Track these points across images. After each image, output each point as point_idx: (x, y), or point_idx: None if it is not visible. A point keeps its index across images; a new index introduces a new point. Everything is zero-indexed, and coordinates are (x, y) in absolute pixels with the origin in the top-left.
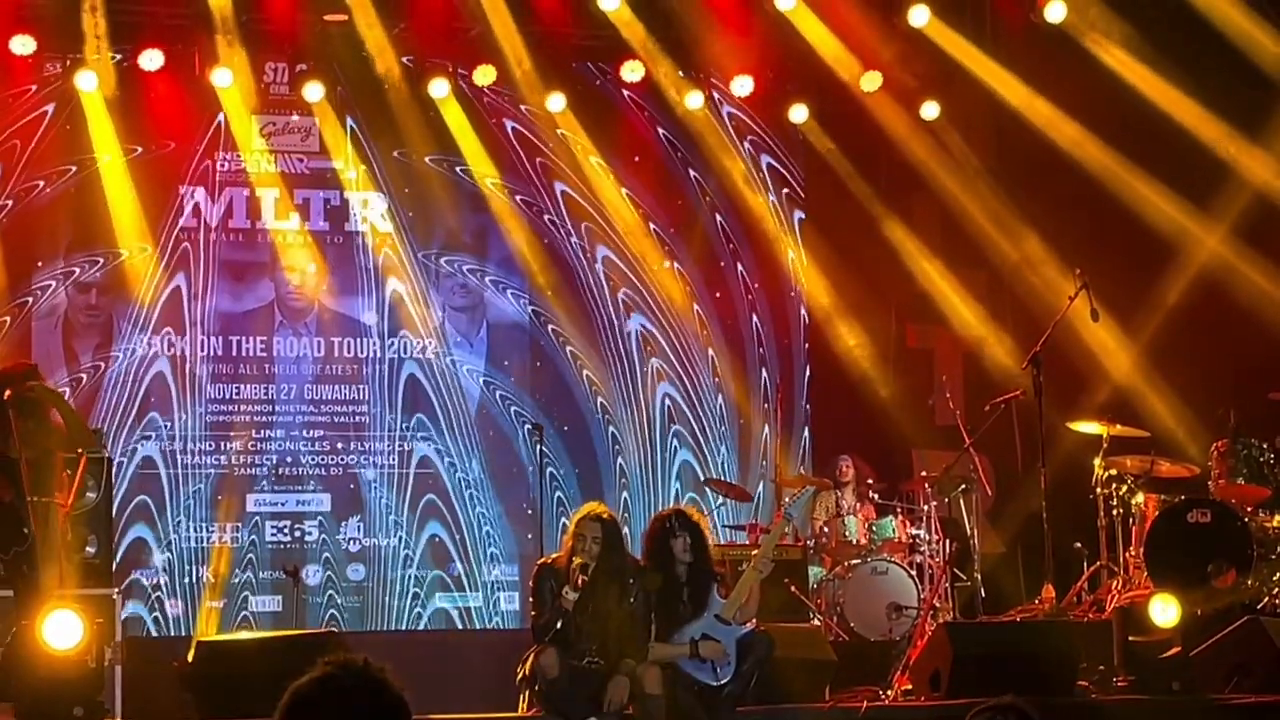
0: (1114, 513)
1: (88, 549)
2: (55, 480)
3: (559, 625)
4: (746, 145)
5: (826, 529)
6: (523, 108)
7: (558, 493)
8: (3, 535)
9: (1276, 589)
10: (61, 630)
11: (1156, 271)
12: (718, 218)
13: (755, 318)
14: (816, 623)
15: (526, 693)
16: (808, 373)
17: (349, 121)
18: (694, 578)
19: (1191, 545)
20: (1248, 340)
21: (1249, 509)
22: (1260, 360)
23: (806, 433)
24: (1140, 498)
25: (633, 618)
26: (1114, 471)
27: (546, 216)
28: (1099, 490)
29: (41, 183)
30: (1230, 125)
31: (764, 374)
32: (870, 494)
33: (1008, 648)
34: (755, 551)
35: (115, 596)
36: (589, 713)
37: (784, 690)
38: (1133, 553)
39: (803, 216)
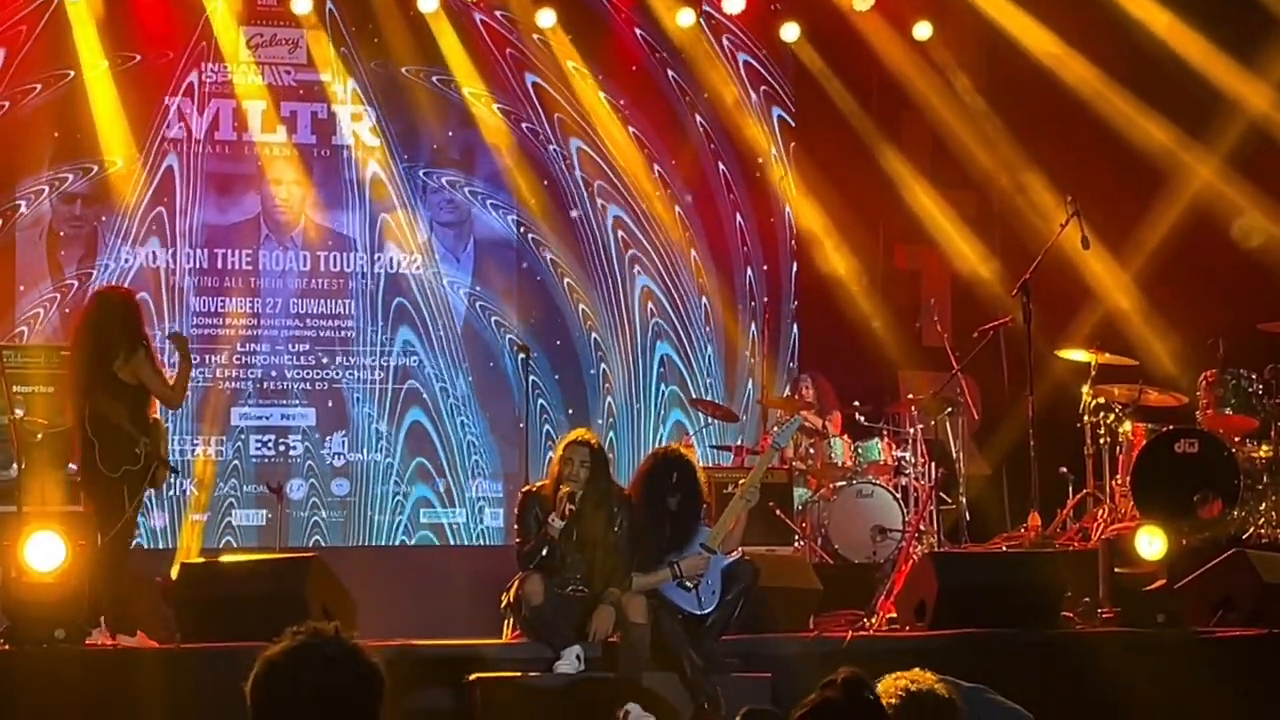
0: (1101, 441)
1: (70, 465)
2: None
3: (544, 552)
4: (737, 64)
5: (812, 450)
6: (498, 13)
7: (540, 400)
8: (115, 455)
9: (1262, 520)
10: (43, 552)
11: (1148, 200)
12: (707, 138)
13: (744, 238)
14: (800, 544)
15: (511, 619)
16: (795, 293)
17: (336, 33)
18: (682, 510)
19: (1178, 475)
20: (1238, 270)
21: (1236, 439)
22: (1250, 291)
23: (793, 353)
24: (1127, 426)
25: (617, 546)
26: (1102, 400)
27: (526, 125)
28: (1086, 418)
29: (39, 85)
30: (1227, 53)
31: (751, 294)
32: (857, 415)
33: (993, 579)
34: (743, 480)
35: None
36: (573, 640)
37: (769, 619)
38: (1119, 481)
39: (791, 123)
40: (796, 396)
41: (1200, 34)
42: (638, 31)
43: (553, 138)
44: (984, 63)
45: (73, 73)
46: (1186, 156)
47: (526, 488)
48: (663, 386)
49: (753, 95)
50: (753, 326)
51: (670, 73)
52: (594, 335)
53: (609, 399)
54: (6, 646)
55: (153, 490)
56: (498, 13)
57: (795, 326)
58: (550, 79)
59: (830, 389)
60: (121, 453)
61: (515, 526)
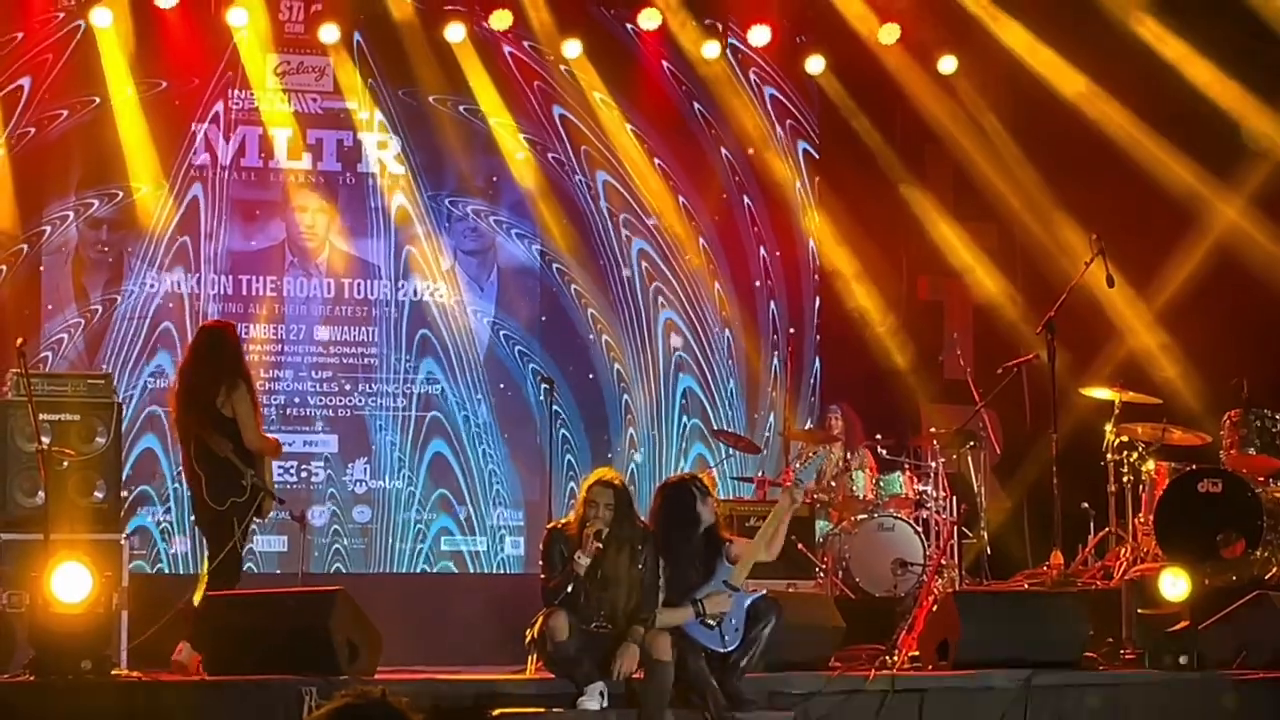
0: (1124, 479)
1: (95, 494)
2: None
3: (569, 589)
4: (764, 97)
5: (834, 484)
6: (526, 44)
7: (562, 430)
8: (222, 488)
9: None
10: (70, 582)
11: (1173, 238)
12: (732, 168)
13: (767, 272)
14: (821, 577)
15: (535, 654)
16: (818, 324)
17: (363, 62)
18: (705, 544)
19: (1201, 514)
20: (1262, 310)
21: (1260, 480)
22: (1275, 331)
23: (815, 385)
24: (1151, 465)
25: (641, 583)
26: (1125, 438)
27: (552, 155)
28: (1109, 456)
29: (65, 112)
30: (1250, 90)
31: (774, 324)
32: (879, 448)
33: (1016, 618)
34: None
35: (123, 541)
36: (597, 676)
37: (791, 657)
38: (1142, 520)
39: (816, 155)
40: (825, 427)
41: (1225, 72)
42: (665, 64)
43: (579, 169)
44: (1008, 96)
45: (99, 99)
46: (1212, 196)
47: (551, 524)
48: (685, 419)
49: (778, 129)
50: (775, 359)
51: (696, 105)
52: (617, 366)
53: (631, 430)
54: (32, 678)
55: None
56: (525, 43)
57: (818, 359)
58: (577, 111)
59: (859, 421)
60: (228, 485)
61: (540, 562)
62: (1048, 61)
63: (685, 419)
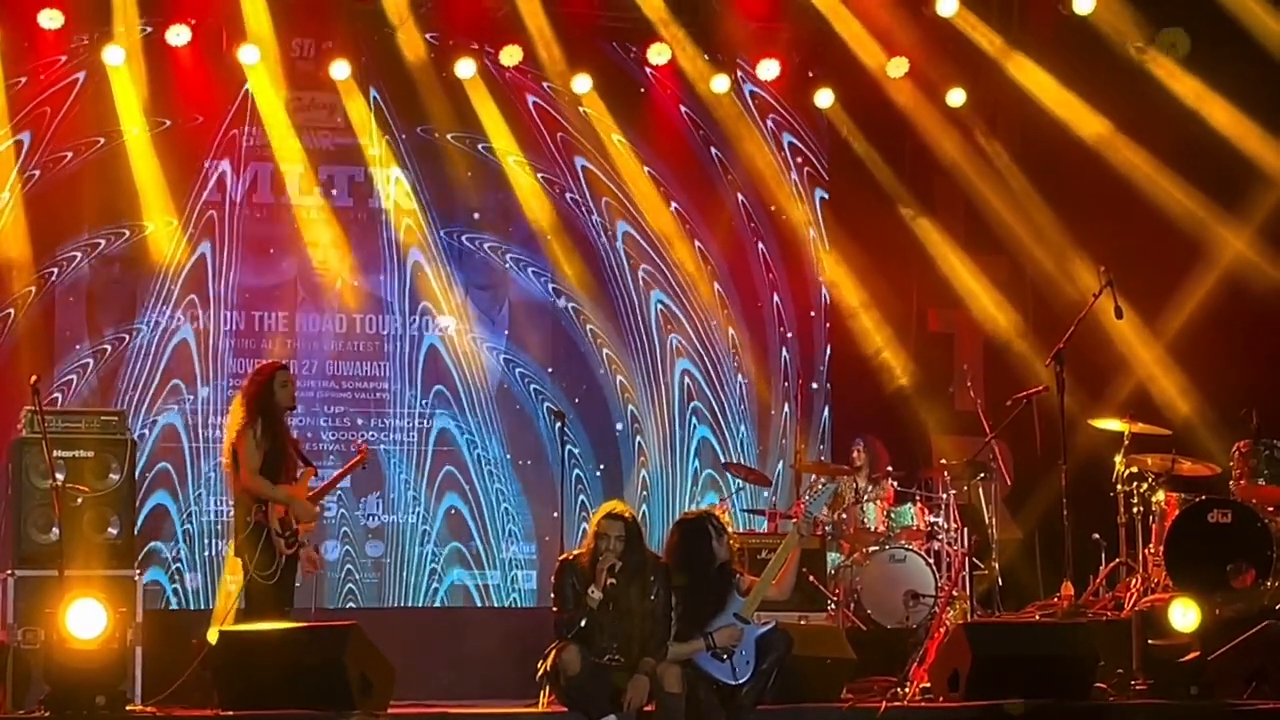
0: (1134, 510)
1: (110, 530)
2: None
3: (583, 623)
4: (771, 128)
5: (845, 515)
6: (545, 85)
7: (576, 471)
8: (238, 520)
9: None
10: (85, 620)
11: (1181, 270)
12: (741, 199)
13: (776, 300)
14: (833, 609)
15: (547, 687)
16: (828, 356)
17: (374, 98)
18: (718, 578)
19: (1211, 545)
20: (1271, 341)
21: (1270, 510)
22: None
23: (826, 416)
24: (1161, 496)
25: (653, 615)
26: (1135, 469)
27: (569, 195)
28: (1119, 487)
29: (70, 154)
30: (1259, 123)
31: (784, 356)
32: (891, 480)
33: (1027, 650)
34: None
35: (136, 578)
36: (609, 709)
37: (803, 689)
38: (1152, 550)
39: (825, 197)
40: (850, 459)
41: (1230, 103)
42: (682, 109)
43: (600, 218)
44: (1016, 129)
45: (103, 139)
46: (1219, 226)
47: (563, 556)
48: (697, 463)
49: (791, 171)
50: (785, 388)
51: (714, 150)
52: (630, 408)
53: (644, 472)
54: (47, 714)
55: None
56: (545, 85)
57: (829, 389)
58: (598, 160)
59: (884, 453)
60: (238, 519)
61: (553, 595)
62: (1057, 95)
63: (697, 464)
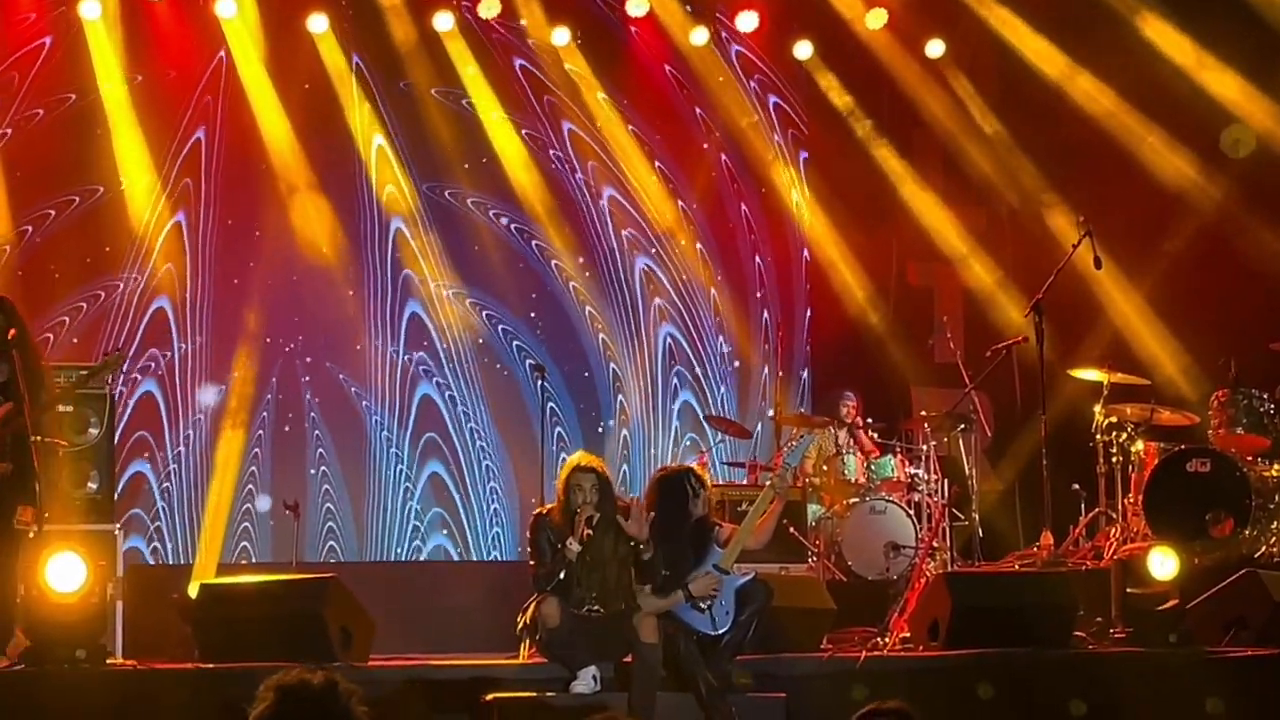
0: (1113, 460)
1: (89, 485)
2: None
3: (561, 575)
4: (751, 82)
5: (825, 467)
6: (529, 42)
7: (558, 429)
8: None
9: (1274, 539)
10: (64, 573)
11: (1160, 220)
12: (722, 155)
13: (757, 255)
14: (814, 561)
15: (527, 640)
16: (809, 310)
17: (352, 54)
18: (695, 532)
19: (1190, 494)
20: (1249, 290)
21: (1248, 459)
22: (1261, 310)
23: (806, 371)
24: (1140, 445)
25: (625, 563)
26: (1114, 419)
27: (552, 151)
28: (1099, 437)
29: (41, 111)
30: (1240, 75)
31: (765, 312)
32: (870, 432)
33: (1006, 599)
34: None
35: (116, 532)
36: (590, 660)
37: (782, 639)
38: (1131, 500)
39: (806, 155)
40: (842, 412)
41: (1211, 54)
42: (667, 68)
43: (586, 180)
44: (996, 80)
45: (74, 96)
46: (1199, 178)
47: (537, 511)
48: (678, 423)
49: (767, 114)
50: (766, 343)
51: (684, 90)
52: (613, 365)
53: (624, 431)
54: (27, 667)
55: None
56: (530, 42)
57: (809, 344)
58: (583, 123)
59: (860, 409)
60: None
61: (529, 550)
62: (1035, 46)
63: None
